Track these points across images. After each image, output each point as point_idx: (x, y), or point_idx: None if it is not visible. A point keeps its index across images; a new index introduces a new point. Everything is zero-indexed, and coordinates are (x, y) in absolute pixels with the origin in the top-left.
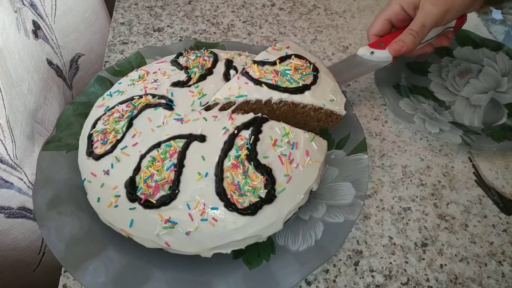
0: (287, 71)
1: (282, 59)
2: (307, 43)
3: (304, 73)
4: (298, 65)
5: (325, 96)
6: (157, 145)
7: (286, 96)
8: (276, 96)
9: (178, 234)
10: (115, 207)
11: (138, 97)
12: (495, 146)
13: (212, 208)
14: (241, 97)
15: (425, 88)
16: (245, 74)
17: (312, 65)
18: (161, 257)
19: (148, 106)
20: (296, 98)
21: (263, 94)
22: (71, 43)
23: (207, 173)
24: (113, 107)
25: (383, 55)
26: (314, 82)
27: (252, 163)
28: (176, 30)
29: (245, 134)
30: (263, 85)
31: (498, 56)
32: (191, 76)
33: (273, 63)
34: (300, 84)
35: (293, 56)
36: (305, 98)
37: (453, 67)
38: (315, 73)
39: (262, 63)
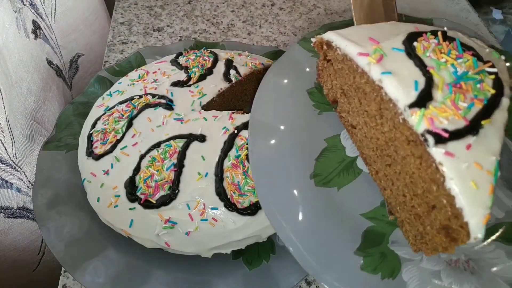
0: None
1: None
2: None
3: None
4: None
5: None
6: (157, 145)
7: None
8: None
9: (178, 234)
10: (115, 207)
11: (138, 97)
12: None
13: (212, 208)
14: None
15: None
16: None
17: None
18: (161, 257)
19: (148, 106)
20: None
21: None
22: (70, 43)
23: (207, 173)
24: (113, 107)
25: None
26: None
27: None
28: (176, 30)
29: (245, 134)
30: None
31: None
32: (191, 76)
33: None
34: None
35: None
36: None
37: None
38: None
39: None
